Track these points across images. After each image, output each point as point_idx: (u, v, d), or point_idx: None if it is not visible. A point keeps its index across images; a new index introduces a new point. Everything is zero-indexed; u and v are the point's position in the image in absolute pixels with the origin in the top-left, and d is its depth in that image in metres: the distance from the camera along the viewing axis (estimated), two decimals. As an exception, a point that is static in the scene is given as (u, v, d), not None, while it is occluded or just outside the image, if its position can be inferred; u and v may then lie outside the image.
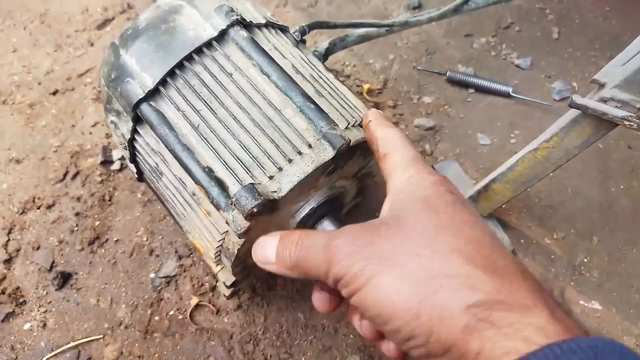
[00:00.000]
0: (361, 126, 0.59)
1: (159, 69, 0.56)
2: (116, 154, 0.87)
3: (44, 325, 0.73)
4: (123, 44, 0.60)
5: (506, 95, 1.03)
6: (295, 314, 0.75)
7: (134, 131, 0.60)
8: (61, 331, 0.73)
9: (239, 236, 0.52)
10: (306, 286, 0.77)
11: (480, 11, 1.12)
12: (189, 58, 0.57)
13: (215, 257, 0.59)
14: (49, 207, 0.82)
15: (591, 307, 0.80)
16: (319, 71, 0.64)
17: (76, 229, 0.81)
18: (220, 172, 0.54)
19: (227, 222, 0.52)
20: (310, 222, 0.62)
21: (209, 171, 0.54)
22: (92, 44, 1.03)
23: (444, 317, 0.30)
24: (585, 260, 0.85)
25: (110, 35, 1.04)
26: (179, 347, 0.72)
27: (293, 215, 0.61)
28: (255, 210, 0.49)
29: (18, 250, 0.79)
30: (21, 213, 0.82)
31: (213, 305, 0.75)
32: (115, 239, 0.80)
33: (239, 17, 0.58)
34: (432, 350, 0.31)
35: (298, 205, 0.60)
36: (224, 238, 0.56)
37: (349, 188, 0.68)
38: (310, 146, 0.53)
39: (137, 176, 0.68)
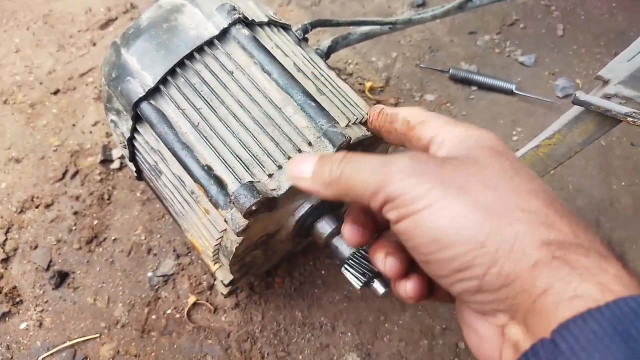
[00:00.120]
0: (362, 124, 0.58)
1: (160, 67, 0.56)
2: (116, 153, 0.87)
3: (40, 325, 0.73)
4: (124, 43, 0.59)
5: (509, 92, 1.02)
6: (293, 312, 0.75)
7: (134, 130, 0.60)
8: (57, 330, 0.73)
9: (238, 234, 0.52)
10: (304, 284, 0.77)
11: (485, 8, 1.12)
12: (190, 56, 0.57)
13: (214, 256, 0.59)
14: (48, 206, 0.82)
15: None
16: (321, 69, 0.64)
17: (74, 227, 0.80)
18: (220, 170, 0.53)
19: (225, 221, 0.52)
20: (309, 220, 0.62)
21: (208, 169, 0.53)
22: (94, 44, 1.03)
23: (514, 250, 0.29)
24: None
25: (113, 35, 1.04)
26: (175, 346, 0.72)
27: (292, 213, 0.61)
28: (253, 208, 0.49)
29: (16, 249, 0.79)
30: (19, 212, 0.82)
31: (210, 304, 0.74)
32: (113, 238, 0.80)
33: (240, 16, 0.58)
34: (486, 284, 0.30)
35: (297, 203, 0.60)
36: (222, 236, 0.56)
37: (349, 187, 0.67)
38: (310, 144, 0.53)
39: (136, 175, 0.68)
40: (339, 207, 0.66)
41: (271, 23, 0.64)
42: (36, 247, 0.79)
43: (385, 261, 0.40)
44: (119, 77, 0.59)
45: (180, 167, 0.56)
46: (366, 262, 0.59)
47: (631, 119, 0.59)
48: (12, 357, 0.71)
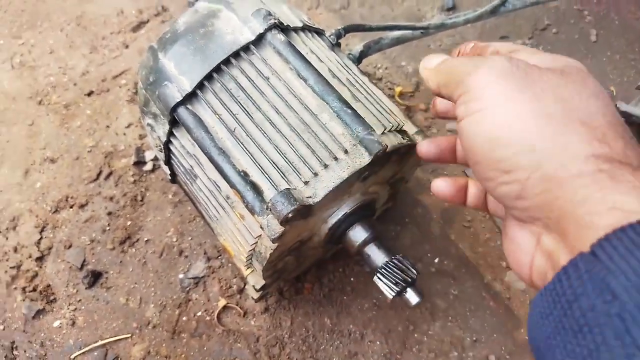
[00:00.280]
0: (398, 131, 0.58)
1: (197, 72, 0.56)
2: (149, 155, 0.88)
3: (73, 323, 0.74)
4: (162, 48, 0.60)
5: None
6: (322, 319, 0.75)
7: (170, 134, 0.60)
8: (90, 329, 0.74)
9: (273, 241, 0.52)
10: (333, 291, 0.77)
11: (517, 13, 1.10)
12: (226, 62, 0.57)
13: (247, 261, 0.59)
14: (82, 206, 0.83)
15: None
16: (355, 75, 0.63)
17: (108, 228, 0.81)
18: (256, 176, 0.53)
19: (261, 227, 0.52)
20: (342, 228, 0.62)
21: (245, 175, 0.53)
22: (126, 46, 1.04)
23: (561, 157, 0.30)
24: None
25: (145, 38, 1.05)
26: (205, 348, 0.72)
27: (325, 220, 0.61)
28: (290, 215, 0.49)
29: (50, 248, 0.80)
30: (54, 212, 0.83)
31: (240, 308, 0.75)
32: (145, 239, 0.81)
33: (276, 21, 0.58)
34: (528, 187, 0.31)
35: (331, 210, 0.59)
36: (256, 242, 0.56)
37: (381, 193, 0.67)
38: (346, 152, 0.53)
39: (170, 178, 0.69)
40: (372, 214, 0.65)
41: (305, 28, 0.64)
42: (70, 246, 0.80)
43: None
44: (156, 81, 0.60)
45: (216, 172, 0.56)
46: (399, 272, 0.59)
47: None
48: (45, 354, 0.72)
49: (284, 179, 0.52)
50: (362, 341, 0.73)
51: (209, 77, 0.57)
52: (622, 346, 0.23)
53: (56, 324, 0.74)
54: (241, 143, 0.54)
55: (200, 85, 0.57)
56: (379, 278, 0.60)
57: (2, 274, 0.78)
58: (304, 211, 0.50)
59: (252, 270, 0.62)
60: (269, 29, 0.58)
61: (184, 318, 0.74)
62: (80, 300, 0.76)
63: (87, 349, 0.72)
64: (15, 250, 0.80)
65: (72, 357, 0.72)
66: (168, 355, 0.72)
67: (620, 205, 0.27)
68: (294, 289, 0.76)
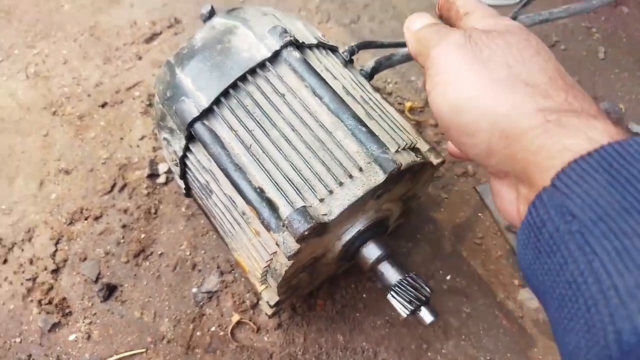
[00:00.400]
0: (411, 149, 0.58)
1: (214, 88, 0.57)
2: (162, 168, 0.88)
3: (89, 337, 0.75)
4: (179, 63, 0.61)
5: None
6: (335, 336, 0.74)
7: (186, 148, 0.61)
8: (105, 343, 0.74)
9: (289, 258, 0.52)
10: (346, 307, 0.77)
11: (527, 30, 1.10)
12: (242, 78, 0.58)
13: (262, 277, 0.59)
14: (97, 218, 0.84)
15: None
16: (368, 92, 0.64)
17: (122, 241, 0.82)
18: (272, 193, 0.54)
19: (277, 244, 0.52)
20: (355, 245, 0.62)
21: (261, 192, 0.54)
22: (140, 58, 1.05)
23: (512, 115, 0.35)
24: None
25: (158, 50, 1.06)
26: (219, 364, 0.72)
27: (339, 237, 0.61)
28: (306, 233, 0.49)
29: (65, 260, 0.81)
30: (69, 224, 0.84)
31: (253, 323, 0.75)
32: (159, 252, 0.81)
33: (292, 38, 0.59)
34: (493, 146, 0.36)
35: (345, 227, 0.60)
36: (272, 258, 0.56)
37: (394, 210, 0.67)
38: (361, 169, 0.53)
39: (184, 192, 0.69)
40: (385, 231, 0.65)
41: (320, 45, 0.65)
42: (85, 259, 0.81)
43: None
44: (173, 96, 0.60)
45: (231, 188, 0.57)
46: (413, 290, 0.59)
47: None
48: (60, 367, 0.72)
49: (300, 195, 0.52)
50: (375, 359, 0.73)
51: (225, 93, 0.58)
52: (584, 254, 0.28)
53: (72, 337, 0.75)
54: (257, 159, 0.55)
55: (217, 101, 0.58)
56: (392, 296, 0.59)
57: (19, 286, 0.79)
58: (320, 229, 0.51)
59: (267, 286, 0.62)
60: (285, 46, 0.59)
61: (198, 333, 0.74)
62: (95, 313, 0.76)
63: (101, 362, 0.72)
64: (31, 262, 0.80)
65: (86, 370, 0.72)
66: (181, 369, 0.72)
67: (570, 147, 0.31)
68: (306, 305, 0.76)
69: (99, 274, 0.79)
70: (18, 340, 0.75)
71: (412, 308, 0.57)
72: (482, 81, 0.37)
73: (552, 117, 0.33)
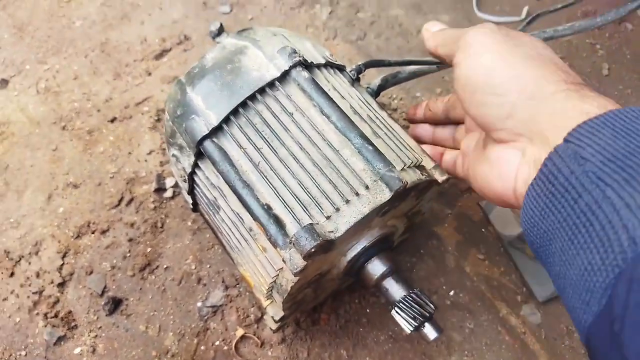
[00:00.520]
0: (416, 167, 0.59)
1: (224, 107, 0.58)
2: (169, 182, 0.89)
3: (94, 351, 0.75)
4: (189, 82, 0.62)
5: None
6: (339, 351, 0.75)
7: (195, 165, 0.62)
8: (110, 357, 0.74)
9: (295, 274, 0.53)
10: (349, 322, 0.77)
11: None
12: (252, 97, 0.59)
13: (267, 292, 0.60)
14: (104, 232, 0.85)
15: None
16: (375, 111, 0.65)
17: (129, 254, 0.83)
18: (279, 210, 0.55)
19: (283, 260, 0.53)
20: (360, 261, 0.62)
21: (268, 208, 0.55)
22: (149, 74, 1.07)
23: (538, 83, 0.42)
24: None
25: (167, 66, 1.08)
26: (222, 379, 0.72)
27: (344, 253, 0.61)
28: (313, 250, 0.50)
29: (72, 274, 0.82)
30: (76, 237, 0.85)
31: (258, 338, 0.75)
32: (165, 266, 0.82)
33: (301, 58, 0.60)
34: (518, 105, 0.42)
35: (350, 244, 0.60)
36: (277, 274, 0.57)
37: (399, 226, 0.68)
38: (367, 187, 0.54)
39: (192, 207, 0.70)
40: (390, 247, 0.66)
41: (328, 64, 0.66)
42: (91, 272, 0.81)
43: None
44: (183, 114, 0.62)
45: (239, 204, 0.58)
46: (417, 306, 0.59)
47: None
48: (65, 380, 0.73)
49: (306, 213, 0.53)
50: (378, 374, 0.73)
51: (235, 112, 0.59)
52: (597, 186, 0.33)
53: (77, 350, 0.75)
54: (265, 177, 0.56)
55: (227, 120, 0.59)
56: (396, 312, 0.60)
57: (25, 299, 0.79)
58: (326, 246, 0.52)
59: (272, 301, 0.63)
60: (294, 66, 0.60)
61: (202, 347, 0.75)
62: (100, 327, 0.77)
63: (105, 375, 0.73)
64: (38, 275, 0.81)
65: (90, 383, 0.72)
66: (185, 383, 0.72)
67: (585, 110, 0.38)
68: (310, 320, 0.76)
69: (105, 287, 0.80)
70: (23, 353, 0.75)
71: (416, 324, 0.58)
72: (516, 55, 0.44)
73: (572, 87, 0.41)
